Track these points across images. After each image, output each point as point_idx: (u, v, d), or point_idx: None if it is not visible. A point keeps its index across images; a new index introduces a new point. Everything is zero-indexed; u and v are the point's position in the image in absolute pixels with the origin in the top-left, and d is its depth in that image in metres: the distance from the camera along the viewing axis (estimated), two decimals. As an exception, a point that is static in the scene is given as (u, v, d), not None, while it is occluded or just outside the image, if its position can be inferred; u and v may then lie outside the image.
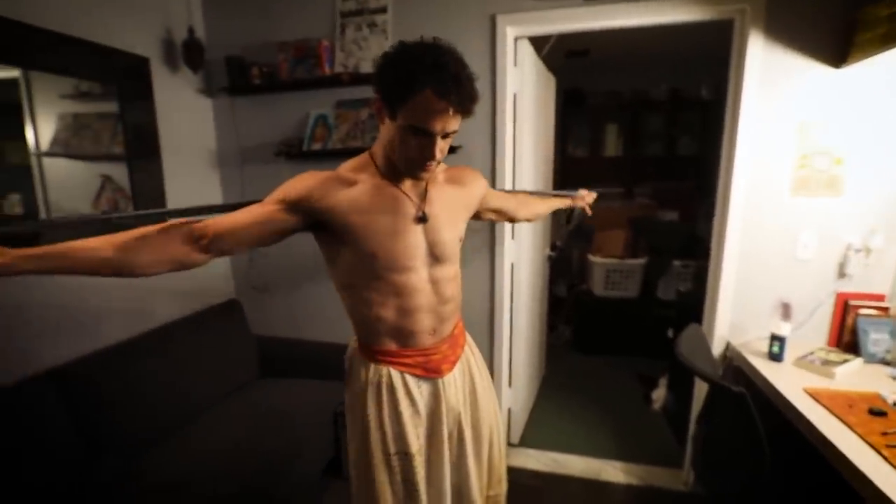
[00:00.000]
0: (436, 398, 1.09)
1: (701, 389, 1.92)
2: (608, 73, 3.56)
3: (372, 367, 1.06)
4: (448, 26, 1.90)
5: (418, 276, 1.02)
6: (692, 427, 1.95)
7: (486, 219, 1.38)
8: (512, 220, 1.48)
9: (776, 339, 1.62)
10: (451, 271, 1.08)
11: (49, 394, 1.46)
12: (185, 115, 2.12)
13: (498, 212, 1.38)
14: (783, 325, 1.61)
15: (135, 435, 1.64)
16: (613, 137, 3.65)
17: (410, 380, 1.06)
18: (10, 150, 1.62)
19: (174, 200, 2.05)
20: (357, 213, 0.94)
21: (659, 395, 2.68)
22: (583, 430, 2.47)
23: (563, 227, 1.85)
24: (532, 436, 2.41)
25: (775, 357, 1.62)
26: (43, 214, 1.63)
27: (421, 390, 1.08)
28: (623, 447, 2.32)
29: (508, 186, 2.00)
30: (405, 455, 1.05)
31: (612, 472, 2.13)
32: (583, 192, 1.74)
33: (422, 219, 1.00)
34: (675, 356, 1.38)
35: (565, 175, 3.78)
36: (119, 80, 1.80)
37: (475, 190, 1.17)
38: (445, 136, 0.90)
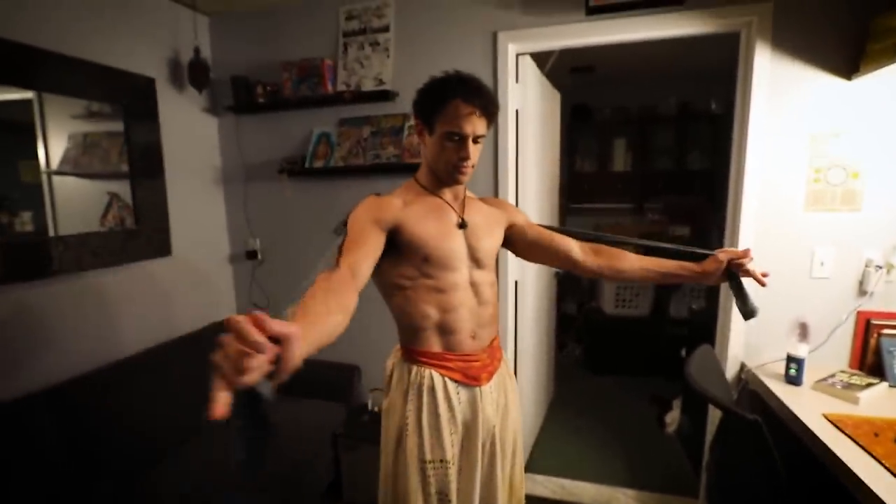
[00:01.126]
0: (472, 408, 1.13)
1: (716, 413, 1.82)
2: (614, 88, 3.54)
3: (414, 369, 1.11)
4: (450, 44, 1.90)
5: (461, 275, 1.12)
6: (706, 455, 1.85)
7: (529, 257, 1.31)
8: (576, 267, 1.25)
9: (793, 361, 1.53)
10: (488, 276, 1.18)
11: (42, 414, 1.44)
12: (190, 134, 2.15)
13: (539, 247, 1.26)
14: (801, 346, 1.53)
15: (130, 456, 1.61)
16: (622, 152, 3.61)
17: (451, 385, 1.11)
18: (23, 169, 1.65)
19: (177, 217, 2.06)
20: (415, 221, 1.07)
21: (673, 417, 2.57)
22: (593, 454, 2.37)
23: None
24: (539, 460, 2.32)
25: (793, 380, 1.54)
26: (52, 232, 1.66)
27: (459, 397, 1.12)
28: (635, 473, 2.21)
29: (511, 202, 1.96)
30: (441, 463, 1.08)
31: (624, 499, 2.03)
32: (725, 254, 1.19)
33: (462, 225, 1.13)
34: (686, 379, 1.31)
35: (573, 191, 3.75)
36: (125, 101, 1.84)
37: (505, 212, 1.27)
38: (476, 140, 1.05)
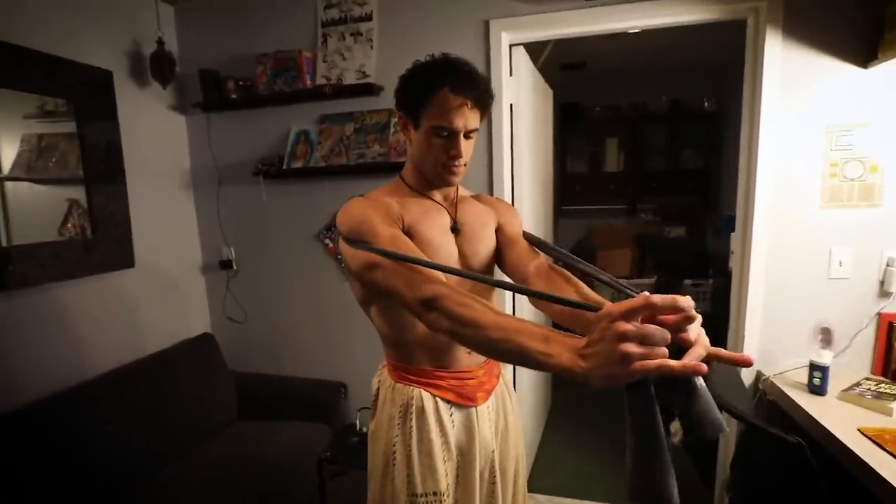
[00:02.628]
0: (468, 431, 1.00)
1: (730, 422, 1.71)
2: (605, 86, 3.45)
3: (401, 388, 0.99)
4: (438, 34, 1.76)
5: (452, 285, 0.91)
6: (720, 469, 1.73)
7: (498, 262, 1.10)
8: (523, 284, 1.00)
9: (817, 370, 1.42)
10: (484, 287, 1.01)
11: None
12: (155, 133, 1.96)
13: (502, 251, 1.06)
14: (824, 352, 1.42)
15: (98, 485, 1.43)
16: (614, 152, 3.52)
17: (443, 406, 0.98)
18: None
19: (141, 225, 1.87)
20: (417, 223, 0.94)
21: (677, 427, 2.45)
22: (595, 469, 2.24)
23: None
24: (539, 478, 2.17)
25: (817, 390, 1.43)
26: (4, 242, 1.49)
27: (453, 419, 0.99)
28: (642, 489, 2.08)
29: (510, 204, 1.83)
30: (434, 496, 0.95)
31: (632, 520, 1.90)
32: (640, 299, 0.56)
33: (455, 229, 1.00)
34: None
35: (565, 192, 3.64)
36: (77, 96, 1.64)
37: (495, 211, 1.10)
38: (467, 135, 0.92)
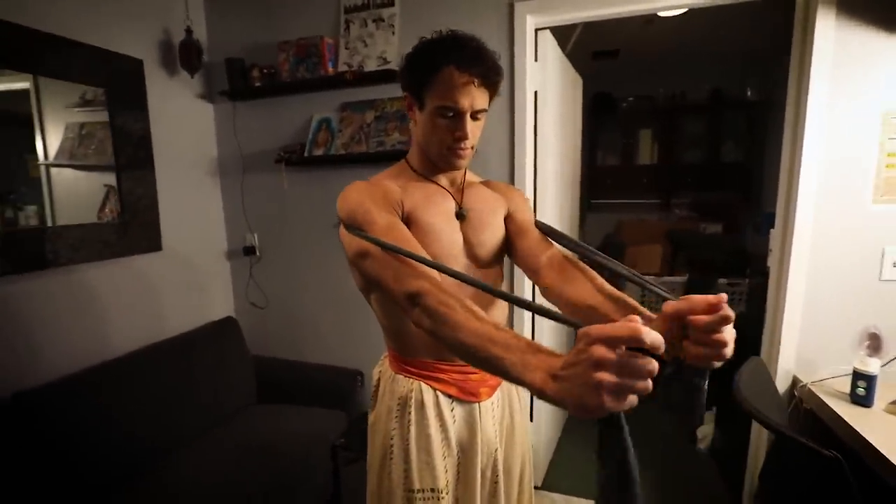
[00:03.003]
0: (470, 428, 0.96)
1: (761, 431, 1.61)
2: (640, 75, 3.30)
3: (401, 380, 0.96)
4: (460, 18, 1.71)
5: None
6: (748, 480, 1.63)
7: (509, 251, 1.05)
8: (533, 274, 0.97)
9: (861, 378, 1.31)
10: (491, 276, 0.99)
11: (11, 421, 1.31)
12: (183, 121, 2.00)
13: (512, 241, 1.01)
14: (871, 360, 1.30)
15: (111, 467, 1.48)
16: (647, 144, 3.37)
17: (444, 400, 0.95)
18: (31, 164, 1.58)
19: (169, 210, 1.92)
20: (422, 210, 0.91)
21: (705, 431, 2.35)
22: (616, 472, 2.16)
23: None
24: (557, 478, 2.12)
25: (861, 400, 1.31)
26: (49, 223, 1.58)
27: (454, 414, 0.96)
28: (663, 493, 2.00)
29: (529, 194, 1.77)
30: (431, 493, 0.93)
31: (653, 526, 1.82)
32: (684, 302, 0.63)
33: (460, 215, 0.95)
34: (737, 402, 1.11)
35: (594, 185, 3.52)
36: (109, 84, 1.70)
37: (504, 197, 1.05)
38: (475, 116, 0.87)
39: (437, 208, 0.93)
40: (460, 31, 0.87)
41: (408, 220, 0.88)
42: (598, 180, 3.48)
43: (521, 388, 1.07)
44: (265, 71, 1.93)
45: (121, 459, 1.51)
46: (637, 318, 0.45)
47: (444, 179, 0.97)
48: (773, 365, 1.56)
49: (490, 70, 0.85)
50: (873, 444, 1.13)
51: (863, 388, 1.31)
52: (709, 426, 2.34)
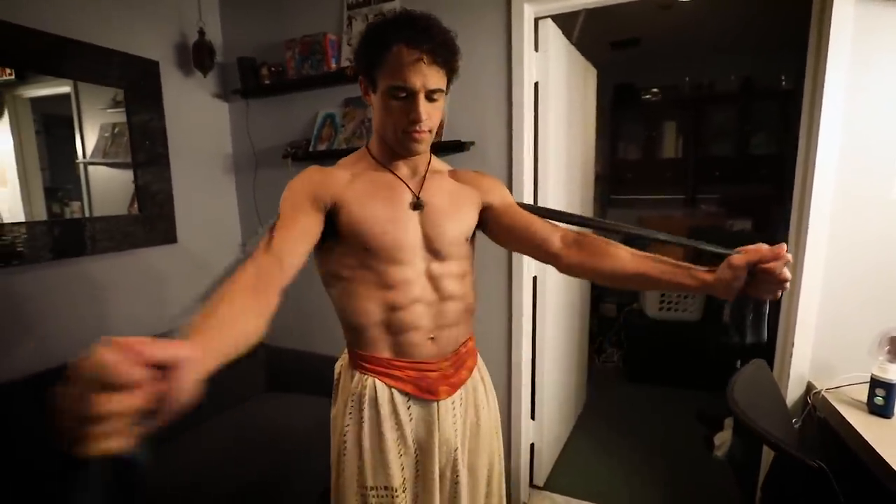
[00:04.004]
0: (427, 427, 0.94)
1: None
2: (664, 65, 3.16)
3: (356, 376, 0.95)
4: (458, 11, 1.70)
5: (413, 269, 0.92)
6: (759, 492, 1.53)
7: (505, 243, 1.05)
8: (550, 260, 0.95)
9: (880, 386, 1.20)
10: (454, 268, 0.96)
11: (28, 399, 1.41)
12: (198, 120, 2.09)
13: (513, 232, 0.99)
14: (891, 366, 1.19)
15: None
16: (672, 137, 3.23)
17: (399, 398, 0.93)
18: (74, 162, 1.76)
19: (184, 207, 2.01)
20: (356, 200, 0.89)
21: (723, 439, 2.23)
22: (625, 475, 2.09)
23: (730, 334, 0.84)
24: (561, 478, 2.08)
25: (879, 410, 1.21)
26: (86, 214, 1.74)
27: (410, 412, 0.94)
28: (674, 501, 1.92)
29: (529, 190, 1.73)
30: (385, 490, 0.92)
31: (657, 533, 1.75)
32: (753, 252, 0.74)
33: (417, 205, 0.92)
34: (728, 403, 1.04)
35: (615, 180, 3.41)
36: (127, 85, 1.80)
37: (479, 189, 1.02)
38: (430, 97, 0.84)
39: (386, 199, 0.90)
40: (416, 11, 0.84)
41: (340, 212, 0.87)
42: (618, 175, 3.37)
43: (488, 386, 1.06)
44: (273, 69, 1.99)
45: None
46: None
47: (403, 168, 0.94)
48: (785, 369, 1.46)
49: (440, 46, 0.81)
50: (887, 459, 1.03)
51: (881, 398, 1.20)
52: (727, 433, 2.23)
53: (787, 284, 0.74)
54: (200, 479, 1.52)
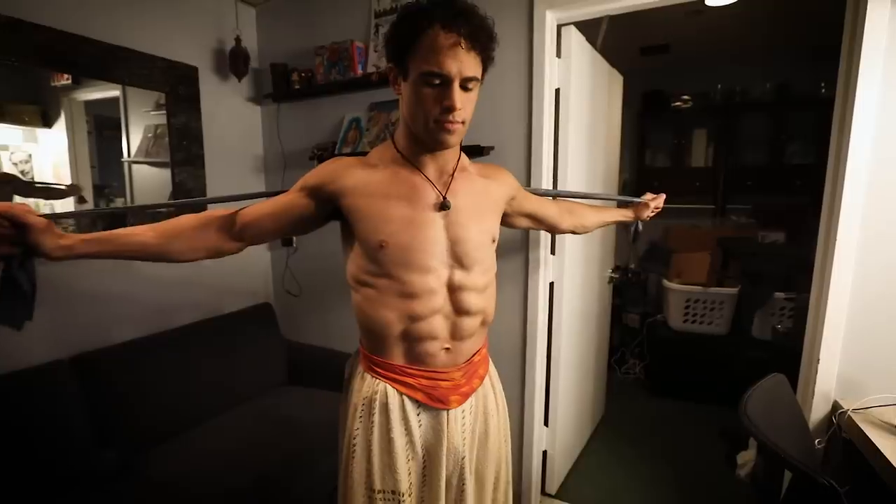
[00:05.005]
0: (436, 434, 0.94)
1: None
2: (696, 71, 3.09)
3: (368, 379, 0.94)
4: (483, 17, 1.73)
5: (437, 279, 0.88)
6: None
7: (518, 226, 1.19)
8: (553, 229, 1.29)
9: (910, 408, 1.15)
10: (478, 280, 0.93)
11: (68, 380, 1.52)
12: (232, 122, 2.20)
13: (532, 217, 1.19)
14: (921, 388, 1.13)
15: (148, 428, 1.66)
16: (702, 145, 3.15)
17: (410, 405, 0.93)
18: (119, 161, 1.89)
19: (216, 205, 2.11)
20: (367, 196, 0.86)
21: (746, 458, 2.14)
22: (640, 489, 2.05)
23: (630, 245, 1.44)
24: (574, 488, 2.05)
25: (908, 434, 1.15)
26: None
27: (420, 419, 0.94)
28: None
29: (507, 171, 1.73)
30: (392, 495, 0.91)
31: (671, 550, 1.71)
32: (648, 197, 1.54)
33: (443, 206, 0.87)
34: (740, 418, 1.02)
35: (642, 188, 3.34)
36: (169, 89, 1.91)
37: (503, 186, 1.03)
38: (465, 86, 0.80)
39: (407, 198, 0.86)
40: None
41: (346, 204, 0.87)
42: (645, 182, 3.30)
43: (499, 394, 1.06)
44: (303, 74, 2.07)
45: (160, 420, 1.69)
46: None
47: (430, 165, 0.89)
48: (810, 386, 1.40)
49: (479, 30, 0.77)
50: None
51: (911, 419, 1.14)
52: (750, 452, 2.14)
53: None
54: (228, 459, 1.58)
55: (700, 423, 2.56)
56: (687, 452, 2.32)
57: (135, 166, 1.92)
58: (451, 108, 0.79)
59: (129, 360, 1.69)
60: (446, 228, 0.89)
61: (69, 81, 1.67)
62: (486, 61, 0.81)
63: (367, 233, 0.87)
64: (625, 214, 1.50)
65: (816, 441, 1.34)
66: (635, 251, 1.55)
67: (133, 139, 1.95)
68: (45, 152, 1.62)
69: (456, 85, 0.78)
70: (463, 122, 0.83)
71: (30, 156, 1.60)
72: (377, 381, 0.93)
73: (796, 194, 2.88)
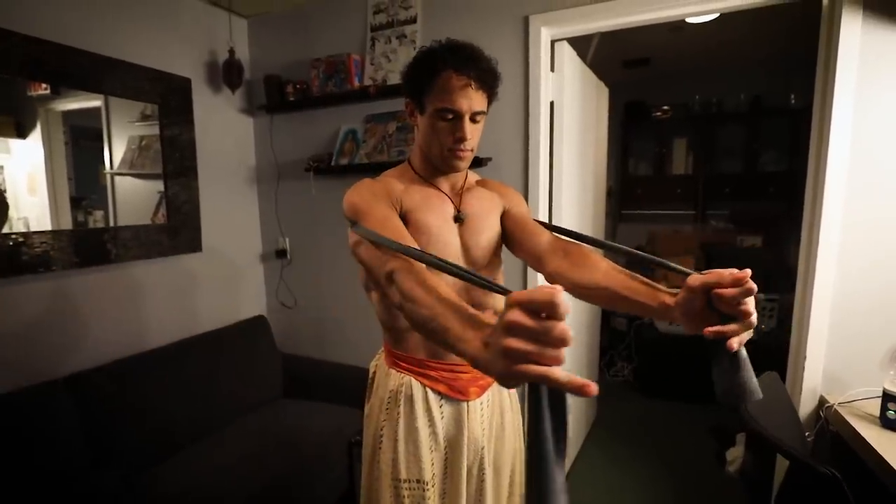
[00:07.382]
0: (457, 425, 0.99)
1: (780, 460, 1.52)
2: (675, 83, 3.23)
3: (393, 374, 1.01)
4: (478, 32, 1.78)
5: (450, 276, 0.89)
6: (774, 504, 1.54)
7: (508, 244, 1.08)
8: (537, 264, 0.98)
9: (892, 400, 1.23)
10: (489, 275, 1.01)
11: (62, 400, 1.47)
12: (225, 133, 2.18)
13: (514, 235, 1.03)
14: (901, 381, 1.22)
15: (145, 447, 1.62)
16: (682, 154, 3.28)
17: (432, 396, 0.99)
18: (101, 173, 1.81)
19: (209, 217, 2.09)
20: (416, 209, 0.95)
21: (735, 454, 2.22)
22: (634, 489, 2.10)
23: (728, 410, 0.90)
24: (572, 488, 2.08)
25: (892, 424, 1.23)
26: (111, 223, 1.80)
27: (442, 411, 0.99)
28: (686, 517, 1.92)
29: (544, 204, 1.79)
30: (417, 483, 0.96)
31: (669, 547, 1.75)
32: (729, 275, 0.65)
33: (458, 218, 0.99)
34: (741, 415, 1.07)
35: (625, 196, 3.46)
36: (161, 101, 1.89)
37: (502, 197, 1.09)
38: (474, 119, 0.91)
39: (435, 211, 0.97)
40: (459, 40, 0.92)
41: (405, 219, 0.93)
42: (629, 190, 3.42)
43: (512, 392, 1.11)
44: (298, 86, 2.07)
45: (157, 438, 1.65)
46: (559, 287, 0.43)
47: (444, 183, 1.01)
48: (797, 383, 1.48)
49: (486, 73, 0.89)
50: (896, 469, 1.06)
51: (893, 411, 1.22)
52: (739, 448, 2.22)
53: (754, 320, 0.60)
54: (226, 477, 1.56)
55: (689, 422, 2.64)
56: (678, 451, 2.39)
57: (118, 178, 1.86)
58: (462, 139, 0.91)
59: (124, 378, 1.65)
60: (461, 236, 1.00)
61: (47, 91, 1.61)
62: (492, 97, 0.93)
63: (416, 240, 0.88)
64: (657, 297, 0.73)
65: (806, 434, 1.41)
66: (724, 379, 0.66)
67: (116, 150, 1.90)
68: (19, 163, 1.55)
69: (466, 119, 0.90)
70: (472, 150, 0.95)
71: (1, 167, 1.52)
72: (402, 374, 0.99)
73: (771, 200, 3.03)
